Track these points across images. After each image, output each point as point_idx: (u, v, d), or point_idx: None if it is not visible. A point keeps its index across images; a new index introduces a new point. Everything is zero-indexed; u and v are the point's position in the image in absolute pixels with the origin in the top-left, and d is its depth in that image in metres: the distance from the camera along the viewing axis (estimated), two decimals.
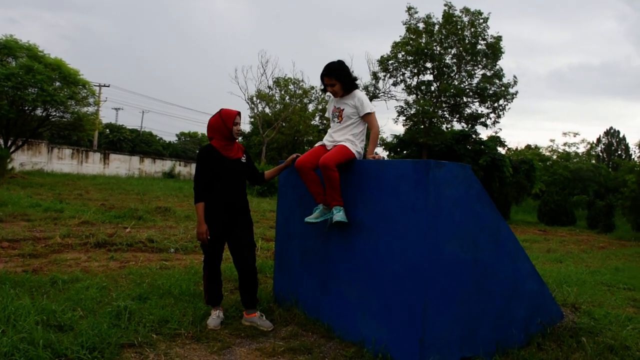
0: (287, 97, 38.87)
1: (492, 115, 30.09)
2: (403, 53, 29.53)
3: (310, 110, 38.98)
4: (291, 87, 39.07)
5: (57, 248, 7.08)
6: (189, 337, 3.81)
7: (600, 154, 61.87)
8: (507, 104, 29.64)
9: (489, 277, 3.82)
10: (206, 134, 4.27)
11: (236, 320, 4.30)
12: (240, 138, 4.31)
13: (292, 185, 4.65)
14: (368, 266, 3.78)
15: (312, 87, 38.56)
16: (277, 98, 38.74)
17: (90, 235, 8.04)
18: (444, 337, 3.51)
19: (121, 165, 36.71)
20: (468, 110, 30.47)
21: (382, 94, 32.05)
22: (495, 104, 29.51)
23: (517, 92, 29.40)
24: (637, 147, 47.49)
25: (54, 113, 23.57)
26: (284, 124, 36.60)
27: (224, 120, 4.14)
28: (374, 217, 3.75)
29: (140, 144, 47.94)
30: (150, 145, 49.22)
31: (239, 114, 4.26)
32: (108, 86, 41.71)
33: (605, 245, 17.19)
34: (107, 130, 45.89)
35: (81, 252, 6.99)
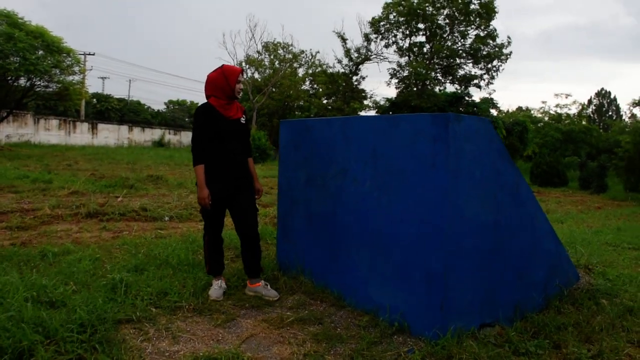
0: (277, 62, 38.10)
1: (485, 76, 29.73)
2: (395, 14, 28.86)
3: (300, 74, 38.29)
4: (280, 51, 38.25)
5: (47, 219, 6.78)
6: (190, 310, 3.57)
7: (592, 115, 61.74)
8: (501, 65, 29.26)
9: (509, 237, 3.59)
10: (204, 92, 3.94)
11: (239, 291, 4.06)
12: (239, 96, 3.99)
13: (295, 146, 4.35)
14: (380, 230, 3.53)
15: (302, 51, 37.82)
16: (266, 63, 37.97)
17: (80, 205, 7.73)
18: (464, 303, 3.30)
19: (110, 135, 36.08)
20: (461, 72, 30.11)
21: (374, 56, 31.48)
22: (489, 65, 29.09)
23: (511, 52, 29.00)
24: (630, 107, 47.38)
25: (39, 83, 22.81)
26: (274, 89, 35.95)
27: (226, 77, 3.82)
28: (386, 177, 3.47)
29: (128, 113, 47.10)
30: (139, 114, 48.39)
31: (242, 71, 3.93)
32: (93, 54, 40.78)
33: (601, 205, 17.12)
34: (94, 100, 44.96)
35: (72, 223, 6.70)
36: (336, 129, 3.89)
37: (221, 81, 3.83)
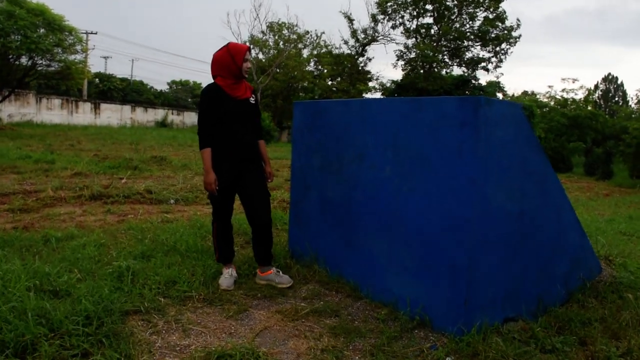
0: (281, 43, 37.59)
1: (493, 59, 29.31)
2: None
3: (305, 55, 37.81)
4: (285, 32, 37.71)
5: (50, 202, 6.63)
6: (200, 300, 3.42)
7: (598, 101, 61.16)
8: (509, 48, 28.82)
9: (535, 229, 3.42)
10: (210, 72, 3.74)
11: (250, 279, 3.91)
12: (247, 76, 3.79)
13: (308, 129, 4.15)
14: (401, 219, 3.35)
15: (307, 32, 37.30)
16: (270, 43, 37.46)
17: (84, 187, 7.57)
18: (489, 297, 3.14)
19: (112, 115, 35.79)
20: (469, 55, 29.67)
21: (381, 37, 31.03)
22: (497, 48, 28.66)
23: (520, 35, 28.55)
24: (637, 93, 46.91)
25: (40, 62, 22.48)
26: (278, 70, 35.53)
27: (232, 56, 3.62)
28: (407, 163, 3.29)
29: (131, 93, 46.68)
30: (142, 95, 47.96)
31: (249, 49, 3.73)
32: (95, 33, 40.13)
33: (608, 192, 16.95)
34: (97, 79, 44.57)
35: (75, 206, 6.54)
36: (354, 111, 3.69)
37: (227, 60, 3.63)
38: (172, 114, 41.92)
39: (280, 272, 3.89)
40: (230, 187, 3.72)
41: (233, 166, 3.67)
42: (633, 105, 51.93)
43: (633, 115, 37.33)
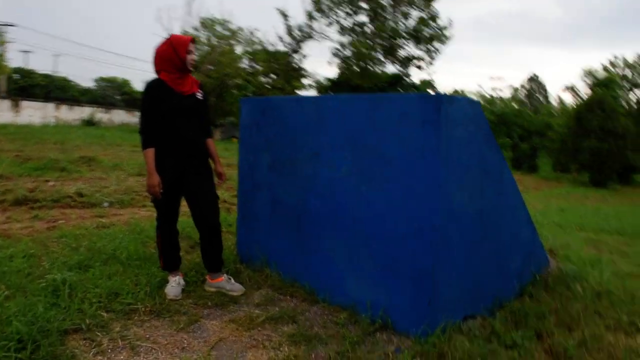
0: (214, 39, 36.71)
1: (426, 58, 29.99)
2: None
3: (238, 52, 37.11)
4: (218, 28, 36.87)
5: None
6: (147, 313, 3.16)
7: (523, 99, 64.07)
8: (441, 47, 29.60)
9: (493, 227, 3.41)
10: (154, 67, 3.47)
11: (199, 287, 3.68)
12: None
13: (257, 126, 3.96)
14: (360, 220, 3.24)
15: (241, 29, 36.64)
16: (203, 40, 36.50)
17: (6, 191, 6.97)
18: (451, 297, 3.08)
19: (35, 113, 33.67)
20: (403, 53, 30.18)
21: (316, 34, 30.98)
22: (430, 47, 29.36)
23: (452, 35, 29.37)
24: (561, 91, 49.46)
25: None
26: (211, 67, 34.69)
27: (174, 48, 3.37)
28: (367, 163, 3.17)
29: (54, 89, 44.26)
30: (66, 92, 45.56)
31: (193, 40, 3.49)
32: (14, 26, 37.71)
33: (537, 186, 17.75)
34: (16, 75, 41.96)
35: None
36: (308, 109, 3.54)
37: (170, 53, 3.38)
38: (100, 111, 40.07)
39: (232, 279, 3.69)
40: (175, 188, 3.47)
41: (177, 163, 3.42)
42: (554, 103, 54.73)
43: (555, 113, 39.38)
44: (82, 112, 38.48)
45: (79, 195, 7.01)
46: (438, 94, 2.80)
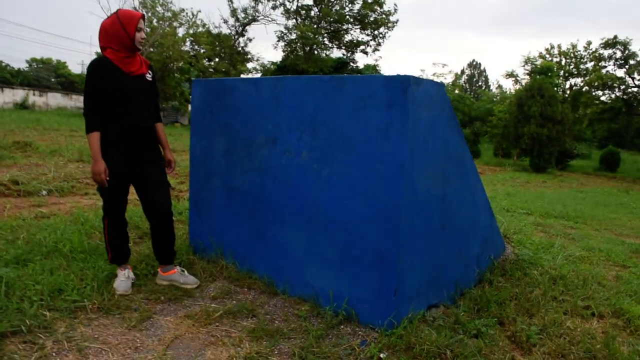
0: (155, 20, 35.39)
1: (372, 43, 30.07)
2: None
3: (180, 35, 35.96)
4: (159, 9, 35.57)
5: None
6: (94, 310, 2.92)
7: (464, 85, 65.60)
8: (387, 32, 29.72)
9: (454, 213, 3.36)
10: (98, 43, 3.20)
11: (150, 280, 3.46)
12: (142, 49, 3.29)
13: (210, 110, 3.74)
14: (320, 207, 3.10)
15: (182, 10, 35.49)
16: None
17: None
18: (415, 286, 3.01)
19: None
20: (348, 37, 30.16)
21: (261, 17, 30.46)
22: (376, 32, 29.43)
23: (397, 20, 29.54)
24: (502, 77, 50.79)
25: None
26: (152, 50, 33.47)
27: (123, 24, 3.10)
28: (327, 147, 3.03)
29: None
30: None
31: (143, 17, 3.23)
32: None
33: (480, 170, 18.11)
34: None
35: None
36: (265, 91, 3.35)
37: (117, 29, 3.11)
38: (34, 94, 38.01)
39: (185, 271, 3.49)
40: (123, 177, 3.23)
41: (127, 154, 3.18)
42: (494, 90, 56.31)
43: (495, 99, 40.50)
44: (15, 95, 36.46)
45: (14, 183, 6.56)
46: (405, 76, 2.68)
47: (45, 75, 50.95)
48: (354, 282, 2.97)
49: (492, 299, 3.43)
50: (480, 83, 69.97)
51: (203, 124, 3.83)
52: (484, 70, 70.32)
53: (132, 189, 3.36)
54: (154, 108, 3.40)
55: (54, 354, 2.42)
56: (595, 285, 4.03)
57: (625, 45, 27.19)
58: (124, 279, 3.28)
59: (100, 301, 3.00)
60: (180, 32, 35.71)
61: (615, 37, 27.31)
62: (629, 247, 5.94)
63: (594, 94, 29.87)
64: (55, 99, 38.96)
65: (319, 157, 3.08)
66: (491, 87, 63.11)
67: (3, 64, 46.41)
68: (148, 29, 32.73)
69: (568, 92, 31.81)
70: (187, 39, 35.56)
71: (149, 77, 3.33)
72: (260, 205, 3.47)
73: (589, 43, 29.97)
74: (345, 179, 2.97)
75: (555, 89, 27.96)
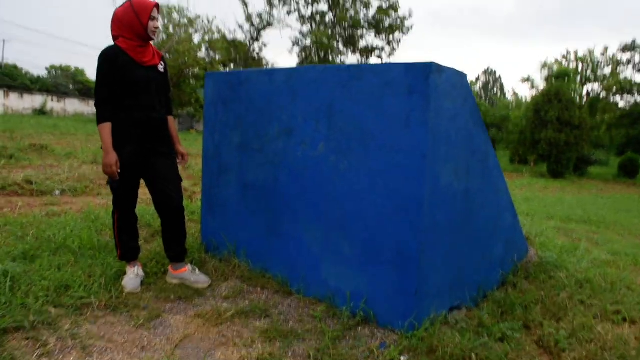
0: (171, 27, 35.63)
1: (387, 47, 29.98)
2: None
3: (196, 42, 36.17)
4: (175, 15, 35.82)
5: None
6: (101, 307, 2.81)
7: (479, 91, 65.26)
8: (402, 37, 29.62)
9: (478, 210, 3.20)
10: (111, 32, 3.10)
11: (160, 279, 3.35)
12: (156, 39, 3.20)
13: (224, 102, 3.63)
14: (337, 201, 2.96)
15: (198, 16, 35.70)
16: (160, 27, 35.30)
17: None
18: (437, 286, 2.85)
19: None
20: (363, 43, 30.07)
21: (276, 22, 30.51)
22: (391, 37, 29.33)
23: (412, 25, 29.42)
24: (516, 85, 50.42)
25: None
26: (168, 56, 33.67)
27: (136, 12, 3.01)
28: (345, 138, 2.90)
29: (2, 77, 42.27)
30: (16, 80, 43.52)
31: (157, 5, 3.13)
32: None
33: None
34: None
35: None
36: (280, 81, 3.23)
37: (131, 17, 3.02)
38: (52, 100, 38.45)
39: (197, 270, 3.37)
40: (134, 170, 3.12)
41: (139, 146, 3.08)
42: (509, 97, 55.92)
43: (510, 106, 40.17)
44: (34, 101, 37.01)
45: (27, 183, 6.53)
46: (426, 62, 2.54)
47: (64, 82, 51.58)
48: (373, 280, 2.82)
49: (516, 302, 3.26)
50: (495, 90, 69.44)
51: (216, 118, 3.72)
52: (499, 78, 69.81)
53: (143, 185, 3.26)
54: (165, 100, 3.29)
55: (57, 351, 2.30)
56: (625, 290, 3.83)
57: None
58: (132, 276, 3.17)
59: (107, 299, 2.89)
60: (196, 38, 35.94)
61: (634, 41, 26.90)
62: None
63: (612, 99, 29.42)
64: (72, 105, 39.46)
65: (336, 148, 2.94)
66: (506, 95, 62.63)
67: (23, 71, 47.02)
68: (165, 36, 33.00)
69: (585, 98, 31.39)
70: (203, 45, 35.77)
71: (161, 68, 3.24)
72: (274, 201, 3.34)
73: (606, 48, 29.58)
74: (363, 171, 2.83)
75: (573, 94, 27.58)
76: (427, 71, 2.52)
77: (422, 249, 2.63)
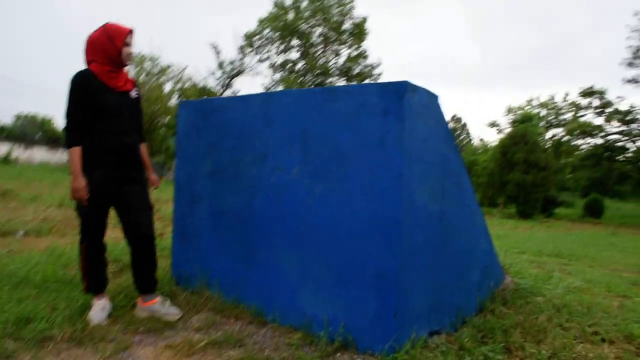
0: (143, 75, 35.71)
1: None
2: (269, 29, 28.68)
3: (166, 90, 36.26)
4: (147, 64, 35.98)
5: None
6: (64, 340, 2.65)
7: None
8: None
9: (454, 233, 3.18)
10: (85, 57, 3.06)
11: (128, 312, 3.20)
12: (129, 65, 3.16)
13: (197, 131, 3.59)
14: (313, 226, 2.91)
15: (169, 66, 35.90)
16: (132, 75, 35.30)
17: None
18: (417, 309, 2.79)
19: None
20: None
21: (248, 69, 30.91)
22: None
23: (381, 72, 30.16)
24: (483, 129, 51.84)
25: None
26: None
27: (110, 37, 2.99)
28: (320, 161, 2.88)
29: None
30: None
31: (131, 32, 3.12)
32: None
33: None
34: None
35: None
36: (254, 107, 3.22)
37: (104, 42, 3.00)
38: (18, 148, 37.63)
39: (168, 302, 3.23)
40: (104, 197, 3.03)
41: (109, 172, 3.00)
42: (475, 144, 57.24)
43: (478, 152, 41.13)
44: None
45: None
46: (401, 82, 2.57)
47: (31, 130, 50.77)
48: (351, 304, 2.75)
49: (496, 326, 3.22)
50: (462, 137, 71.02)
51: (189, 148, 3.66)
52: (465, 125, 71.54)
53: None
54: (137, 126, 3.24)
55: None
56: (601, 313, 3.83)
57: (602, 93, 27.95)
58: (99, 309, 3.02)
59: (72, 331, 2.73)
60: (168, 86, 36.01)
61: (592, 87, 28.12)
62: (628, 280, 5.79)
63: (574, 143, 30.44)
64: (40, 153, 38.65)
65: (312, 173, 2.92)
66: (472, 141, 64.10)
67: None
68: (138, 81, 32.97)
69: (550, 142, 32.38)
70: (174, 94, 35.83)
71: (134, 94, 3.20)
72: (248, 228, 3.27)
73: (567, 94, 30.79)
74: (339, 194, 2.80)
75: (538, 137, 28.45)
76: (401, 91, 2.55)
77: (401, 269, 2.59)
